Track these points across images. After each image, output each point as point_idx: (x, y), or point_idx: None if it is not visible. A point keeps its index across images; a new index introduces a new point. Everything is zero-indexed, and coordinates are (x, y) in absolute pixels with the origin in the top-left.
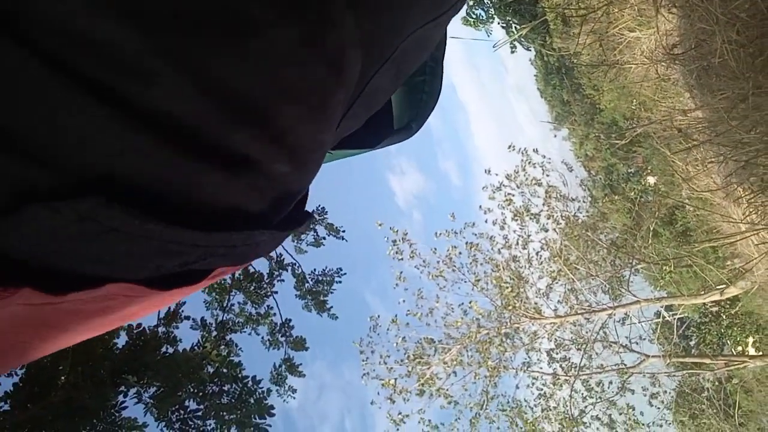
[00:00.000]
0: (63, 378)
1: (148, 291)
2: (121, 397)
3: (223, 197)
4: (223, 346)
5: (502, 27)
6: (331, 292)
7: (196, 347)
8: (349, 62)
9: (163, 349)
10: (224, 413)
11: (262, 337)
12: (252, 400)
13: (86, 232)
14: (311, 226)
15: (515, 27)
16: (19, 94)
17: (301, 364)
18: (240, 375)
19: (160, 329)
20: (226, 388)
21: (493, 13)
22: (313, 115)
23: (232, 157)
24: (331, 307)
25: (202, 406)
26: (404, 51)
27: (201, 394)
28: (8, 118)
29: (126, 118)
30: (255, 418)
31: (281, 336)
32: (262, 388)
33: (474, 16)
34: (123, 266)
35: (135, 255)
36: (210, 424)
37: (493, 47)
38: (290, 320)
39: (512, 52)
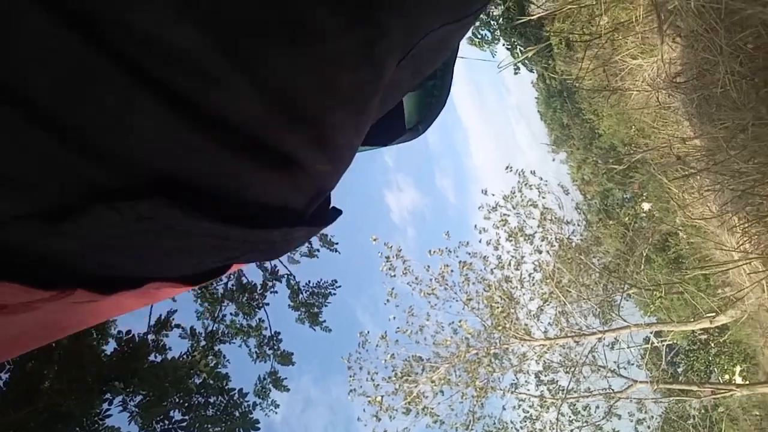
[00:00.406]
0: (47, 383)
1: (181, 286)
2: (105, 405)
3: (269, 195)
4: (211, 356)
5: (507, 48)
6: (326, 305)
7: (184, 356)
8: (389, 67)
9: (152, 357)
10: (209, 425)
11: (250, 349)
12: (237, 414)
13: (144, 231)
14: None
15: (520, 49)
16: (100, 98)
17: (286, 378)
18: (226, 387)
19: (150, 336)
20: (212, 400)
21: (498, 34)
22: (355, 117)
23: (283, 157)
24: (324, 320)
25: (187, 417)
26: (422, 49)
27: (187, 404)
28: (86, 119)
29: (191, 121)
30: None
31: (269, 349)
32: (248, 401)
33: (479, 37)
34: (168, 263)
35: (184, 251)
36: None
37: (498, 67)
38: (279, 333)
39: (515, 73)
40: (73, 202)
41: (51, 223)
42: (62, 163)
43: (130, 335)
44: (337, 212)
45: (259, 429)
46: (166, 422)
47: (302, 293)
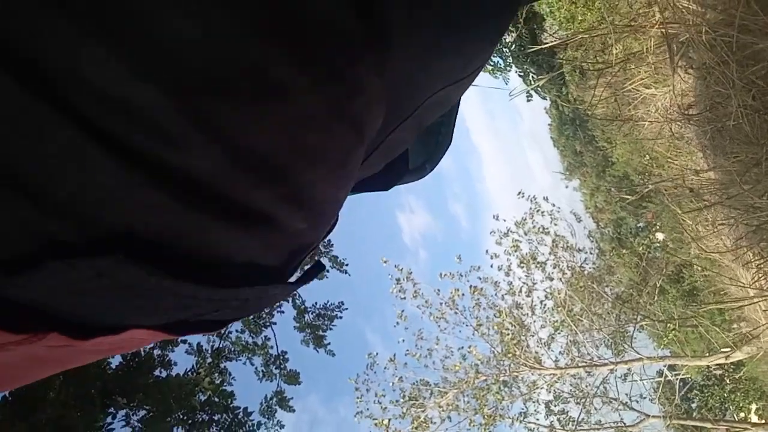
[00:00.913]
0: (52, 395)
1: (164, 335)
2: (109, 419)
3: (239, 253)
4: (216, 374)
5: (519, 76)
6: (331, 328)
7: (189, 373)
8: (371, 121)
9: (157, 372)
10: None
11: (256, 368)
12: None
13: (103, 287)
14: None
15: (532, 76)
16: (54, 153)
17: (292, 398)
18: (231, 405)
19: (155, 351)
20: (216, 418)
21: (511, 61)
22: (332, 175)
23: (252, 215)
24: (329, 343)
25: None
26: (425, 109)
27: (190, 421)
28: (40, 173)
29: (150, 177)
30: None
31: (275, 368)
32: (252, 419)
33: (492, 64)
34: (136, 316)
35: (148, 307)
36: None
37: (509, 95)
38: (286, 353)
39: (528, 100)
40: (29, 253)
41: (5, 275)
42: (14, 213)
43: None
44: (319, 268)
45: None
46: None
47: (308, 314)
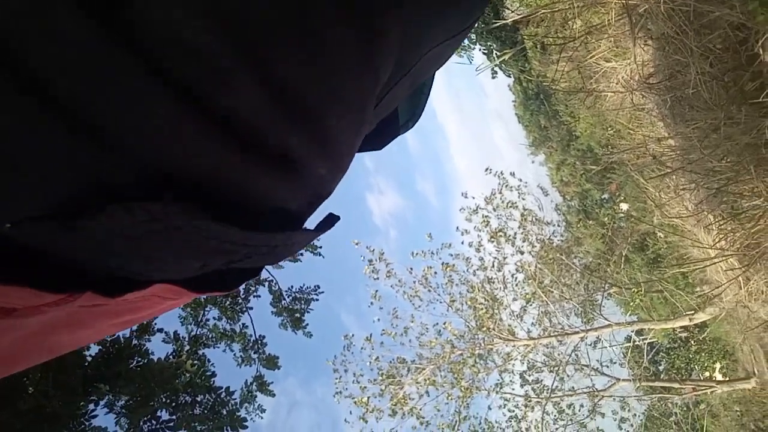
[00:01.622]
0: (33, 386)
1: (184, 292)
2: (92, 406)
3: (272, 197)
4: (196, 361)
5: (483, 53)
6: (308, 312)
7: (171, 356)
8: (387, 68)
9: (136, 361)
10: (196, 424)
11: (235, 354)
12: (224, 412)
13: (154, 231)
14: None
15: (496, 53)
16: (113, 90)
17: (272, 382)
18: (213, 385)
19: (133, 341)
20: (199, 399)
21: (474, 38)
22: (354, 121)
23: (286, 158)
24: (307, 324)
25: (174, 417)
26: (422, 63)
27: (173, 404)
28: (98, 110)
29: (201, 119)
30: (227, 430)
31: (254, 353)
32: (235, 399)
33: None
34: (174, 264)
35: (190, 252)
36: None
37: (476, 70)
38: (264, 337)
39: (493, 77)
40: (85, 201)
41: (63, 222)
42: (74, 157)
43: (114, 336)
44: (335, 218)
45: (246, 427)
46: (154, 422)
47: (285, 299)
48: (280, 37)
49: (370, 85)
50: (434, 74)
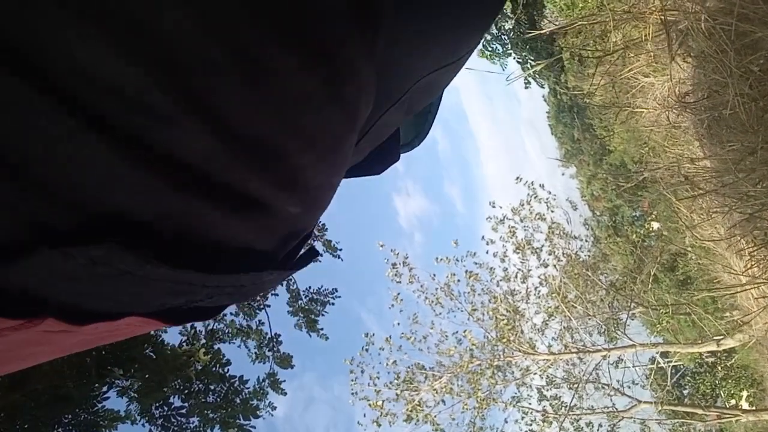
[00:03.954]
0: (48, 365)
1: (158, 323)
2: (105, 389)
3: (233, 238)
4: (210, 356)
5: (518, 62)
6: (323, 314)
7: (184, 343)
8: (363, 104)
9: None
10: (209, 412)
11: (249, 350)
12: (238, 400)
13: (98, 275)
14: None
15: (530, 63)
16: (44, 137)
17: (284, 381)
18: (227, 374)
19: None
20: (212, 387)
21: (509, 48)
22: (326, 159)
23: (245, 200)
24: (322, 328)
25: (186, 404)
26: (414, 92)
27: (186, 391)
28: (31, 158)
29: (140, 159)
30: (239, 419)
31: (268, 350)
32: (248, 388)
33: (490, 50)
34: (129, 303)
35: (143, 294)
36: (193, 422)
37: (507, 79)
38: (279, 335)
39: (526, 87)
40: (21, 241)
41: None
42: (4, 199)
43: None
44: (314, 253)
45: (259, 416)
46: (165, 408)
47: (302, 299)
48: (218, 73)
49: (341, 123)
50: (441, 95)
